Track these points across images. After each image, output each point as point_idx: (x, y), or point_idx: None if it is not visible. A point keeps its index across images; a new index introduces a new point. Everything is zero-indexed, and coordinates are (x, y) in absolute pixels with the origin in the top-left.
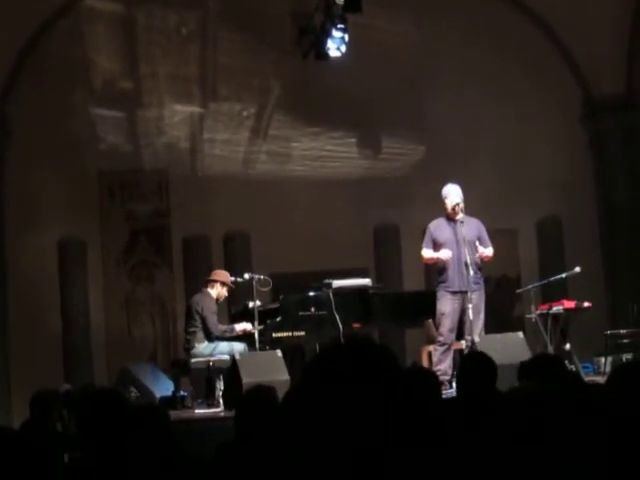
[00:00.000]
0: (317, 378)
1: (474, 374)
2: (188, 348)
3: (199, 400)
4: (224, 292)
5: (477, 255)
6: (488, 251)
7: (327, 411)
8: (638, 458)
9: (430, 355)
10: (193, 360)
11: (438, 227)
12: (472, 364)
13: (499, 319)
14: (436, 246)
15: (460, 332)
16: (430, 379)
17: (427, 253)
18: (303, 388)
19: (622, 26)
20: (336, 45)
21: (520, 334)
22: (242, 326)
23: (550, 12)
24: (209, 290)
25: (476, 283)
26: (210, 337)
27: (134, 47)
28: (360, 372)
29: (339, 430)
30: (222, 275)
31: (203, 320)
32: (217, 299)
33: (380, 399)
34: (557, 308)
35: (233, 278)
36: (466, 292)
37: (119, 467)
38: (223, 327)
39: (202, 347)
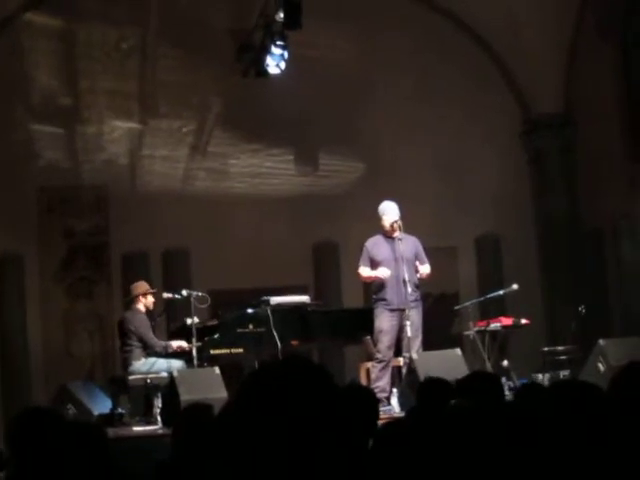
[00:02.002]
0: (249, 398)
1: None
2: (126, 365)
3: (137, 417)
4: (150, 300)
5: (417, 275)
6: (425, 269)
7: (257, 431)
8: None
9: (369, 372)
10: (131, 377)
11: (375, 244)
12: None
13: (437, 336)
14: (374, 264)
15: (398, 349)
16: (368, 396)
17: (365, 271)
18: (235, 407)
19: (561, 45)
20: (275, 62)
21: (458, 351)
22: (178, 343)
23: (490, 31)
24: (136, 306)
25: (414, 300)
26: (149, 353)
27: (73, 63)
28: (294, 391)
29: (267, 450)
30: (138, 287)
31: (140, 338)
32: (147, 310)
33: (313, 419)
34: (495, 325)
35: (175, 295)
36: (404, 309)
37: None
38: (161, 343)
39: (139, 364)
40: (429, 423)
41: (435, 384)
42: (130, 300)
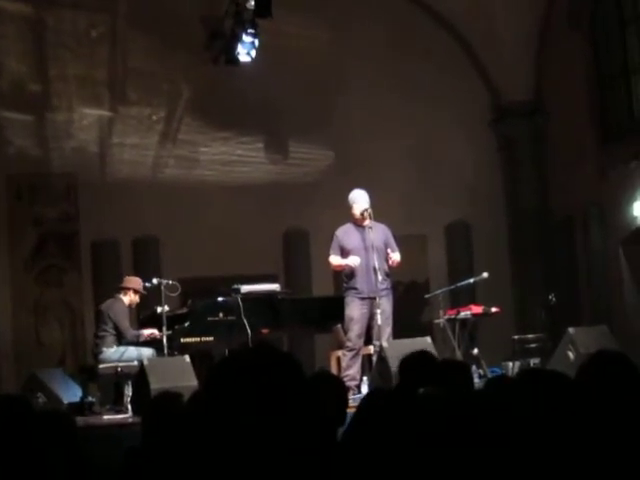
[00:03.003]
0: (218, 386)
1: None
2: (97, 353)
3: (107, 406)
4: (136, 299)
5: (389, 262)
6: (396, 256)
7: (225, 418)
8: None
9: (339, 360)
10: (101, 366)
11: (346, 233)
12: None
13: (407, 324)
14: (344, 252)
15: (368, 337)
16: (336, 384)
17: (335, 260)
18: (204, 396)
19: (531, 33)
20: (246, 50)
21: (428, 339)
22: (149, 331)
23: (460, 20)
24: (121, 297)
25: (384, 288)
26: (121, 341)
27: (43, 49)
28: (262, 379)
29: (236, 437)
30: (134, 282)
31: (115, 325)
32: (129, 305)
33: (280, 407)
34: (465, 313)
35: (145, 284)
36: (374, 298)
37: (24, 475)
38: (134, 332)
39: (110, 352)
40: (402, 409)
41: (417, 358)
42: (120, 289)
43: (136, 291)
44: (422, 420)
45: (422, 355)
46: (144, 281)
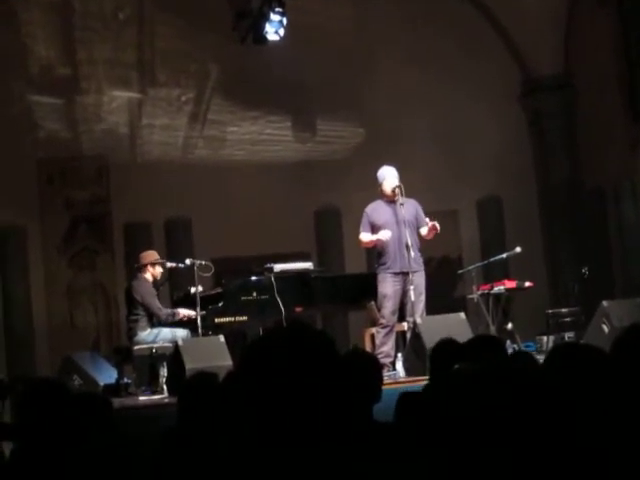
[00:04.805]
0: (252, 365)
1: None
2: (131, 335)
3: (143, 387)
4: (158, 270)
5: (429, 228)
6: (424, 230)
7: (260, 397)
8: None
9: (373, 337)
10: (136, 347)
11: (375, 210)
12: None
13: (441, 300)
14: (374, 229)
15: (402, 314)
16: (370, 362)
17: (365, 237)
18: (239, 375)
19: (560, 8)
20: (274, 29)
21: (462, 315)
22: (186, 311)
23: None
24: (143, 275)
25: (417, 264)
26: (154, 323)
27: (71, 33)
28: (296, 358)
29: (271, 415)
30: (148, 256)
31: (145, 307)
32: (154, 279)
33: (315, 385)
34: (498, 288)
35: (178, 265)
36: (407, 273)
37: (61, 457)
38: (167, 310)
39: (145, 334)
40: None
41: (446, 346)
42: (138, 268)
43: (153, 264)
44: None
45: (450, 342)
46: (177, 262)
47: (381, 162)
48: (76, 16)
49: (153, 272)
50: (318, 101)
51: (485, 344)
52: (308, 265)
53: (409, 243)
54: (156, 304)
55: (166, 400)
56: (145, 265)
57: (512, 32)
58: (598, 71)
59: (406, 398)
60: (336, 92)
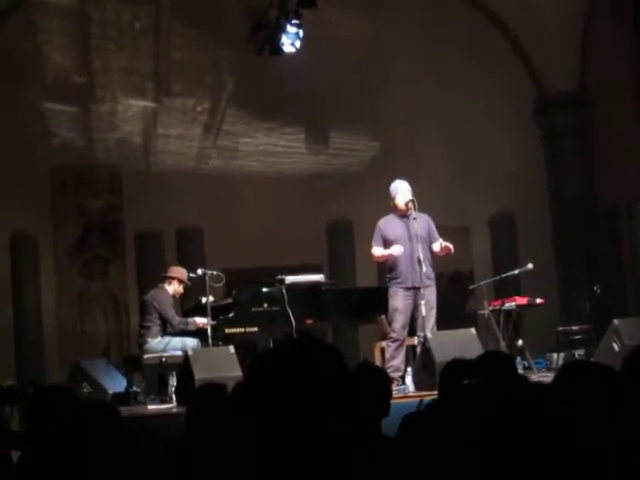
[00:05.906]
0: (261, 376)
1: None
2: (141, 343)
3: (152, 396)
4: (180, 289)
5: (442, 248)
6: (437, 246)
7: (268, 409)
8: (576, 457)
9: (383, 351)
10: (146, 356)
11: (388, 224)
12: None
13: (451, 315)
14: (387, 243)
15: (412, 328)
16: (379, 376)
17: (377, 251)
18: (247, 387)
19: (576, 25)
20: (290, 40)
21: (472, 330)
22: (200, 320)
23: (504, 11)
24: (166, 286)
25: (428, 279)
26: (167, 331)
27: (87, 41)
28: (304, 371)
29: (278, 428)
30: (179, 272)
31: (161, 314)
32: (173, 295)
33: (323, 398)
34: (510, 304)
35: (190, 274)
36: (419, 288)
37: (69, 465)
38: (181, 319)
39: (155, 342)
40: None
41: (457, 366)
42: (164, 278)
43: (180, 281)
44: (468, 412)
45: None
46: (188, 272)
47: (394, 176)
48: (93, 24)
49: (176, 288)
50: (333, 114)
51: (495, 360)
52: (319, 277)
53: (421, 258)
54: (171, 312)
55: (175, 410)
56: (173, 278)
57: (528, 48)
58: (614, 87)
59: (410, 419)
60: (351, 105)
